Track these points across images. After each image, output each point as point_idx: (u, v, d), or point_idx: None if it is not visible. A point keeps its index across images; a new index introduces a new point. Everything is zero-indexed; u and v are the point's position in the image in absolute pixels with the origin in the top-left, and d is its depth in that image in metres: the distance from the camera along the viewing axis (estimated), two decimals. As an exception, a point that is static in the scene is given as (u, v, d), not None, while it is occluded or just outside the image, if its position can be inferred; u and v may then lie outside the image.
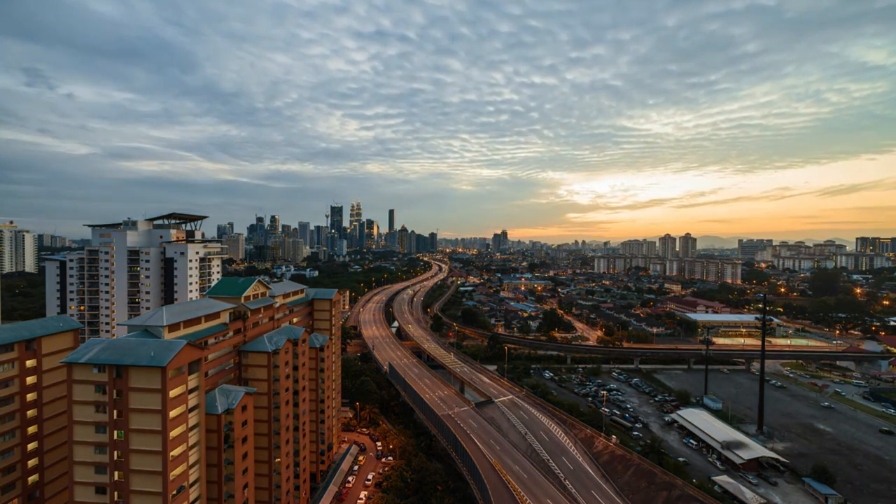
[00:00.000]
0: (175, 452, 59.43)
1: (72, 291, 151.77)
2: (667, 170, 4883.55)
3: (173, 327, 66.70)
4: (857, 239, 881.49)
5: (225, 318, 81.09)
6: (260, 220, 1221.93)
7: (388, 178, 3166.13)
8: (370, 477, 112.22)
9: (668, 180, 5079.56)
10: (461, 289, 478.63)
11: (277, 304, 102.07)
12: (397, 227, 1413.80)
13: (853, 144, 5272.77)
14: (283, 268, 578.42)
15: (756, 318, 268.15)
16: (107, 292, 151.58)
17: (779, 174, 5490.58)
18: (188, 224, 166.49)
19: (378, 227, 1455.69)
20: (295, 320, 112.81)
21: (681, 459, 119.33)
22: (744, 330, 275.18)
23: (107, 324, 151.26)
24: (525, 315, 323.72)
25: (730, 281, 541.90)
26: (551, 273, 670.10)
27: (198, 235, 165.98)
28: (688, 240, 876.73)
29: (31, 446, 73.24)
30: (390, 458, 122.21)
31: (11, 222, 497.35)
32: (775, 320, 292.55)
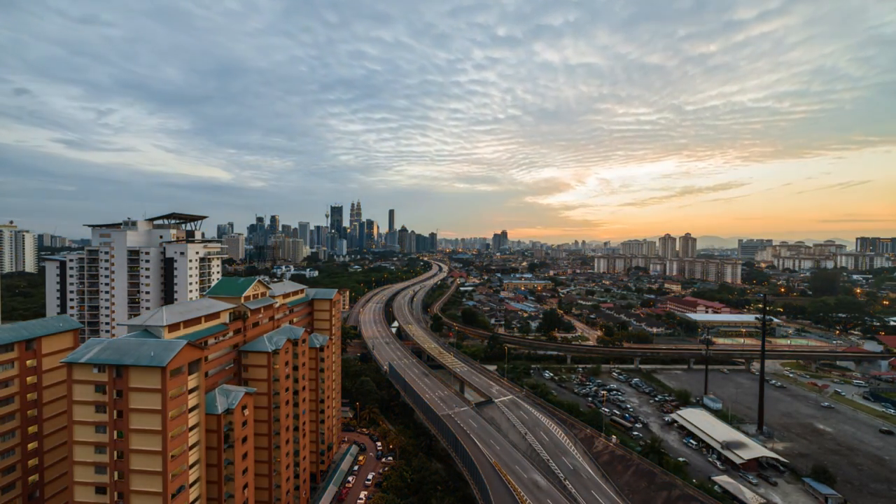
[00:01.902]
0: (175, 452, 59.43)
1: (72, 291, 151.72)
2: (665, 163, 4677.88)
3: (173, 327, 66.70)
4: (857, 239, 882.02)
5: (225, 318, 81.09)
6: (260, 220, 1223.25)
7: (366, 172, 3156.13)
8: (370, 477, 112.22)
9: (666, 174, 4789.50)
10: (461, 289, 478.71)
11: (277, 304, 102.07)
12: (397, 227, 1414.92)
13: (871, 133, 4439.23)
14: (283, 268, 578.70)
15: (756, 318, 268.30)
16: (107, 292, 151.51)
17: (787, 166, 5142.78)
18: (188, 224, 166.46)
19: (378, 227, 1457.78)
20: (295, 320, 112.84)
21: (681, 459, 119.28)
22: (744, 330, 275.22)
23: (107, 324, 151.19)
24: (525, 315, 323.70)
25: (730, 281, 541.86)
26: (551, 273, 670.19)
27: (198, 235, 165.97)
28: (688, 240, 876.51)
29: (31, 446, 73.23)
30: (390, 458, 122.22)
31: (11, 222, 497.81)
32: (775, 320, 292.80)
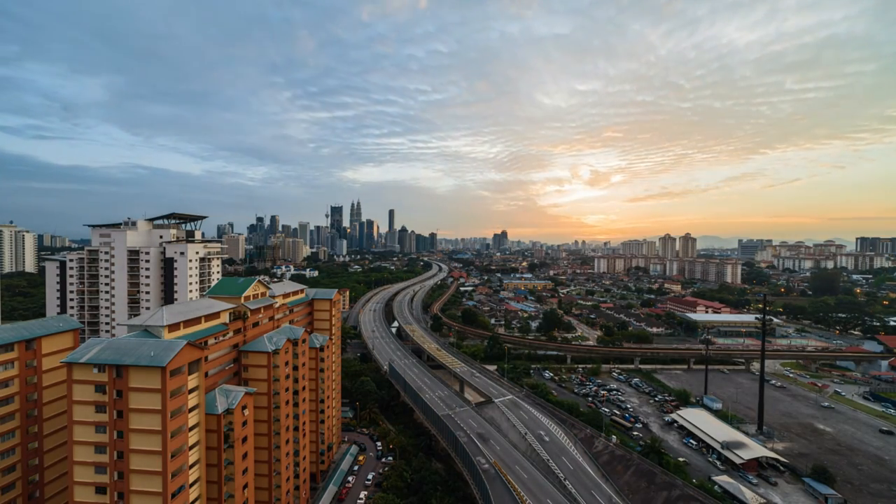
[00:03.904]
0: (175, 452, 59.42)
1: (72, 291, 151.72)
2: (666, 154, 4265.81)
3: (173, 327, 66.71)
4: (857, 239, 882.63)
5: (225, 318, 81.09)
6: (260, 220, 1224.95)
7: (345, 166, 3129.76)
8: (370, 477, 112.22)
9: (666, 168, 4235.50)
10: (461, 289, 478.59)
11: (277, 304, 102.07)
12: (397, 227, 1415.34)
13: (887, 116, 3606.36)
14: (283, 268, 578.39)
15: (756, 318, 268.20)
16: (107, 292, 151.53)
17: (794, 159, 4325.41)
18: (188, 224, 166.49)
19: (378, 227, 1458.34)
20: (295, 320, 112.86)
21: (681, 459, 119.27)
22: (744, 330, 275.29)
23: (107, 324, 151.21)
24: (525, 315, 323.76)
25: (730, 281, 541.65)
26: (551, 273, 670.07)
27: (197, 235, 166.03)
28: (688, 240, 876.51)
29: (31, 446, 73.25)
30: (390, 458, 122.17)
31: (11, 222, 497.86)
32: (775, 320, 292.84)
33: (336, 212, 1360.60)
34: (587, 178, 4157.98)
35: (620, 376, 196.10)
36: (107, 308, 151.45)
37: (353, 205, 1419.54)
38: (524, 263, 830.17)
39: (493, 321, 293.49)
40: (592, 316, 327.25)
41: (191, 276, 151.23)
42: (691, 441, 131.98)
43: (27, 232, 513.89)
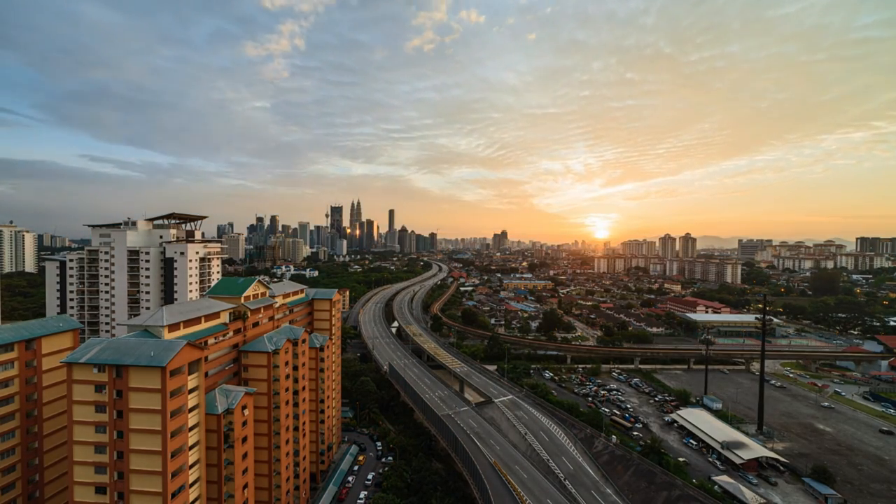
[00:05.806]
0: (175, 452, 59.43)
1: (72, 291, 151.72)
2: (665, 146, 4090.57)
3: (173, 327, 66.71)
4: (857, 239, 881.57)
5: (225, 318, 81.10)
6: (260, 220, 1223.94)
7: (324, 161, 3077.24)
8: (370, 477, 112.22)
9: (666, 162, 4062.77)
10: (461, 289, 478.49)
11: (277, 304, 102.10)
12: (397, 227, 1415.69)
13: None
14: (283, 268, 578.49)
15: (756, 318, 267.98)
16: (107, 292, 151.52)
17: (799, 151, 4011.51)
18: (188, 224, 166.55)
19: (378, 227, 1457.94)
20: (295, 320, 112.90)
21: (681, 459, 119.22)
22: (744, 330, 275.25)
23: (107, 324, 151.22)
24: (525, 315, 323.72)
25: (730, 281, 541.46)
26: (551, 273, 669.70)
27: (197, 235, 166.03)
28: (688, 240, 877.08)
29: (31, 446, 73.25)
30: (390, 458, 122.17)
31: (11, 222, 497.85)
32: (775, 320, 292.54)
33: (336, 212, 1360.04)
34: (584, 176, 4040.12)
35: (620, 376, 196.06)
36: (107, 308, 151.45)
37: (353, 205, 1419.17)
38: (524, 263, 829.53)
39: (493, 321, 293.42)
40: (592, 316, 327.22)
41: (191, 276, 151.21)
42: (691, 441, 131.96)
43: (27, 232, 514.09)
